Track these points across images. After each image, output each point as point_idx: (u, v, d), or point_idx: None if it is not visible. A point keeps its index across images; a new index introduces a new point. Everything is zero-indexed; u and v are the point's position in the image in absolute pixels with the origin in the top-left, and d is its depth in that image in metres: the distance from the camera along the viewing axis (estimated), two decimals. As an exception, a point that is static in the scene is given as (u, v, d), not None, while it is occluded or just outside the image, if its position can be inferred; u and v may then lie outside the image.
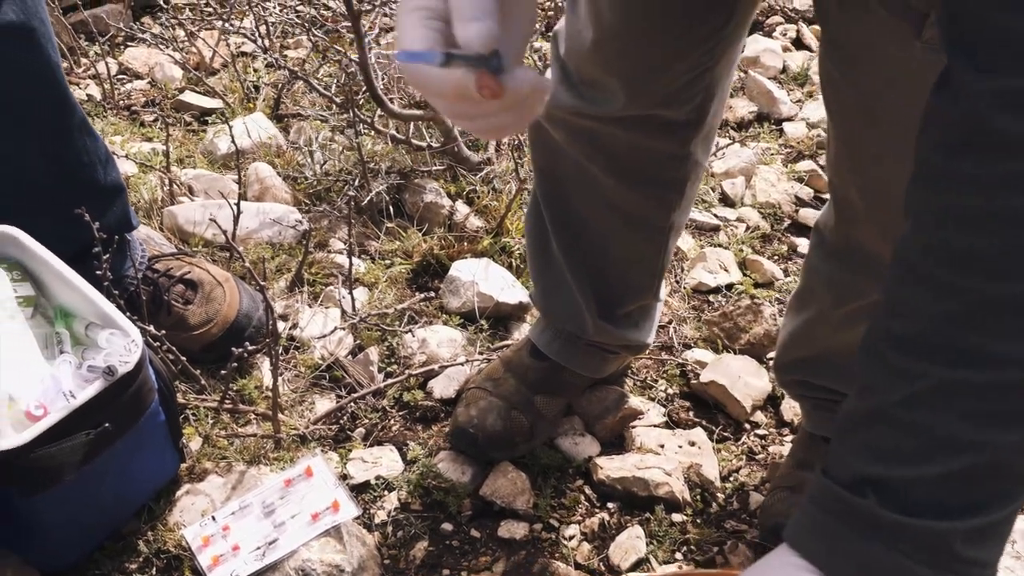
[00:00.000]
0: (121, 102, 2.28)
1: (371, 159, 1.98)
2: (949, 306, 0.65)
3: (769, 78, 2.47)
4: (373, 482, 1.45)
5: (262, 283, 1.42)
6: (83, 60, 2.41)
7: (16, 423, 1.14)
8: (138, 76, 2.40)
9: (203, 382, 1.53)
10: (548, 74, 1.27)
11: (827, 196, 2.05)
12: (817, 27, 2.67)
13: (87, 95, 2.30)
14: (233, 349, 1.37)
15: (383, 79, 2.14)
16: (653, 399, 1.63)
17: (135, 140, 2.14)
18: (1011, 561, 1.33)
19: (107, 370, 1.18)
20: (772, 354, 1.67)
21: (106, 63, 2.29)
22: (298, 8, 2.40)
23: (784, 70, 2.55)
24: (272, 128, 2.12)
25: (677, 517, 1.45)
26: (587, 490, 1.48)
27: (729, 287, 1.86)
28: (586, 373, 1.53)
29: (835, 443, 0.72)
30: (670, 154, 1.26)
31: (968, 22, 0.63)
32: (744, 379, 1.62)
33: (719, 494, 1.50)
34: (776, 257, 1.96)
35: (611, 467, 1.48)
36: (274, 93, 2.25)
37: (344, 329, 1.67)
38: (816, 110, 2.37)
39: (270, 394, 1.47)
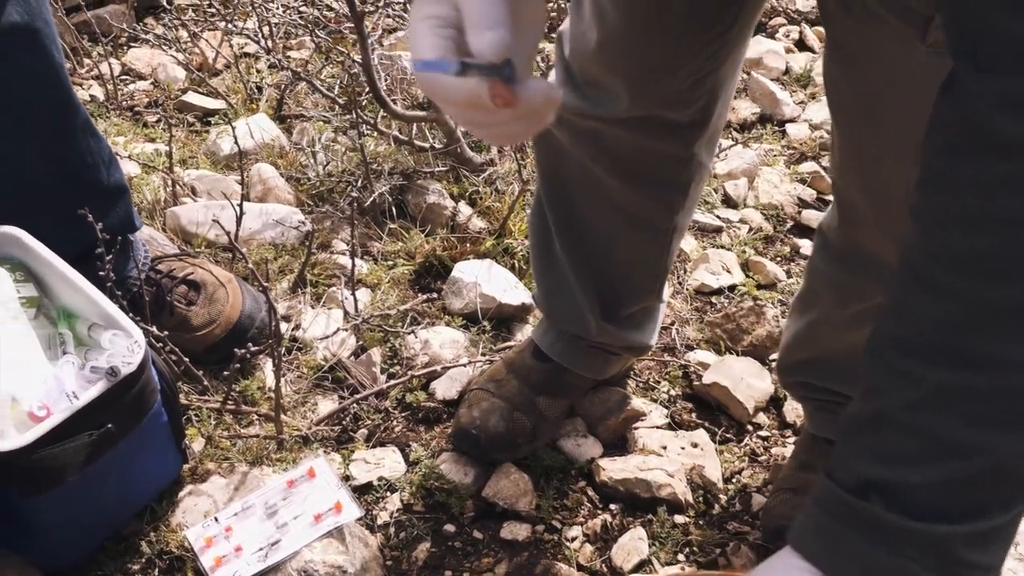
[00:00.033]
0: (124, 103, 2.28)
1: (374, 160, 1.98)
2: (951, 309, 0.65)
3: (772, 79, 2.47)
4: (375, 483, 1.45)
5: (265, 284, 1.42)
6: (86, 61, 2.42)
7: (19, 424, 1.14)
8: (141, 77, 2.40)
9: (206, 383, 1.53)
10: (552, 75, 1.27)
11: (830, 197, 2.06)
12: (820, 28, 2.69)
13: (90, 96, 2.30)
14: (236, 350, 1.37)
15: (386, 80, 2.14)
16: (655, 400, 1.63)
17: (138, 141, 2.14)
18: (1015, 563, 1.33)
19: (110, 371, 1.18)
20: (775, 356, 1.67)
21: (109, 64, 2.29)
22: (301, 9, 2.40)
23: (787, 71, 2.55)
24: (275, 129, 2.12)
25: (679, 519, 1.45)
26: (589, 491, 1.48)
27: (732, 288, 1.86)
28: (588, 374, 1.53)
29: (839, 446, 0.72)
30: (674, 156, 1.26)
31: (968, 23, 0.63)
32: (746, 381, 1.62)
33: (721, 496, 1.50)
34: (779, 258, 1.96)
35: (613, 468, 1.48)
36: (277, 94, 2.25)
37: (347, 330, 1.67)
38: (819, 111, 2.37)
39: (273, 395, 1.47)
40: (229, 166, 2.03)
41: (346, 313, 1.70)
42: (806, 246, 1.98)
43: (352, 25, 1.85)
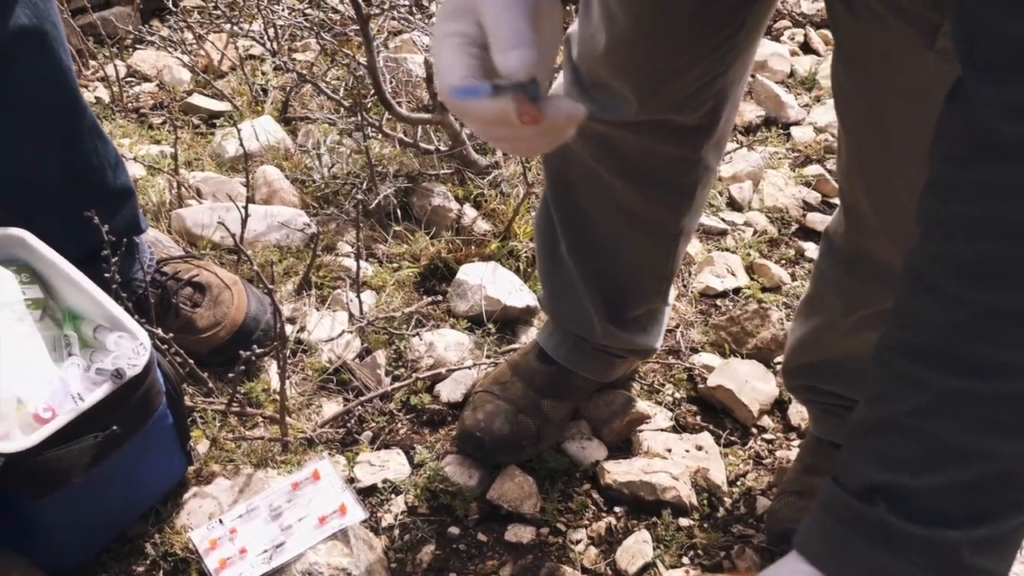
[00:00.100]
0: (129, 105, 2.29)
1: (379, 162, 1.98)
2: (957, 316, 0.65)
3: (777, 82, 2.46)
4: (380, 485, 1.45)
5: (270, 286, 1.43)
6: (92, 63, 2.42)
7: (24, 425, 1.14)
8: (146, 79, 2.41)
9: (211, 385, 1.53)
10: (560, 77, 1.27)
11: (835, 201, 2.06)
12: (825, 31, 2.69)
13: (95, 98, 2.31)
14: (241, 352, 1.37)
15: (391, 82, 2.15)
16: (660, 403, 1.63)
17: (143, 143, 2.14)
18: (1021, 568, 1.32)
19: (115, 373, 1.18)
20: (779, 359, 1.67)
21: (115, 66, 2.29)
22: (307, 11, 2.40)
23: (792, 74, 2.55)
24: (280, 131, 2.12)
25: (684, 521, 1.45)
26: (594, 494, 1.48)
27: (736, 291, 1.86)
28: (593, 377, 1.53)
29: (845, 451, 0.72)
30: (681, 159, 1.26)
31: (976, 30, 0.63)
32: (751, 383, 1.62)
33: (726, 498, 1.50)
34: (783, 261, 1.96)
35: (618, 471, 1.48)
36: (282, 96, 2.25)
37: (351, 332, 1.67)
38: (824, 114, 2.37)
39: (277, 397, 1.47)
40: (234, 168, 2.03)
41: (351, 315, 1.71)
42: (811, 249, 1.98)
43: (358, 27, 1.85)
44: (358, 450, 1.51)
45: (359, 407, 1.57)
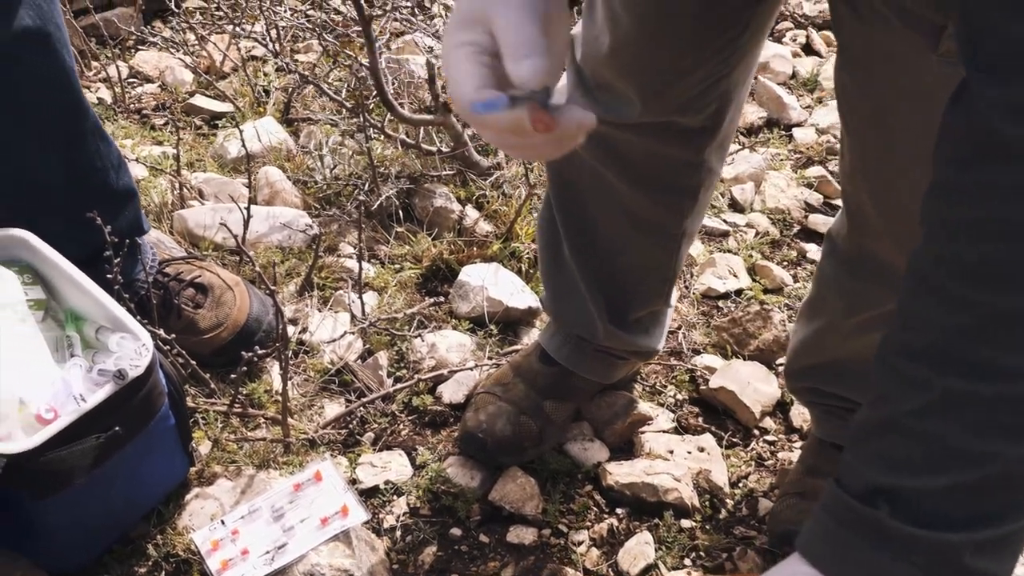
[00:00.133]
0: (132, 106, 2.29)
1: (381, 163, 1.98)
2: (960, 319, 0.65)
3: (778, 84, 2.46)
4: (382, 487, 1.45)
5: (272, 287, 1.43)
6: (94, 64, 2.42)
7: (26, 426, 1.15)
8: (149, 80, 2.41)
9: (213, 386, 1.53)
10: (563, 79, 1.27)
11: (837, 202, 2.06)
12: (827, 33, 2.69)
13: (98, 99, 2.31)
14: (243, 353, 1.37)
15: (393, 84, 2.15)
16: (662, 405, 1.63)
17: (145, 144, 2.14)
18: (1023, 570, 1.32)
19: (117, 374, 1.18)
20: (781, 360, 1.67)
21: (117, 67, 2.30)
22: (309, 12, 2.40)
23: (794, 76, 2.55)
24: (282, 132, 2.12)
25: (686, 523, 1.45)
26: (596, 496, 1.48)
27: (738, 293, 1.86)
28: (595, 378, 1.53)
29: (848, 453, 0.72)
30: (685, 161, 1.26)
31: (980, 31, 0.64)
32: (753, 385, 1.62)
33: (728, 500, 1.50)
34: (785, 263, 1.96)
35: (620, 473, 1.48)
36: (284, 97, 2.25)
37: (353, 333, 1.67)
38: (825, 116, 2.37)
39: (279, 398, 1.47)
40: (236, 169, 2.03)
41: (353, 316, 1.71)
42: (813, 250, 1.98)
43: (360, 29, 1.85)
44: (360, 451, 1.51)
45: (361, 408, 1.57)
